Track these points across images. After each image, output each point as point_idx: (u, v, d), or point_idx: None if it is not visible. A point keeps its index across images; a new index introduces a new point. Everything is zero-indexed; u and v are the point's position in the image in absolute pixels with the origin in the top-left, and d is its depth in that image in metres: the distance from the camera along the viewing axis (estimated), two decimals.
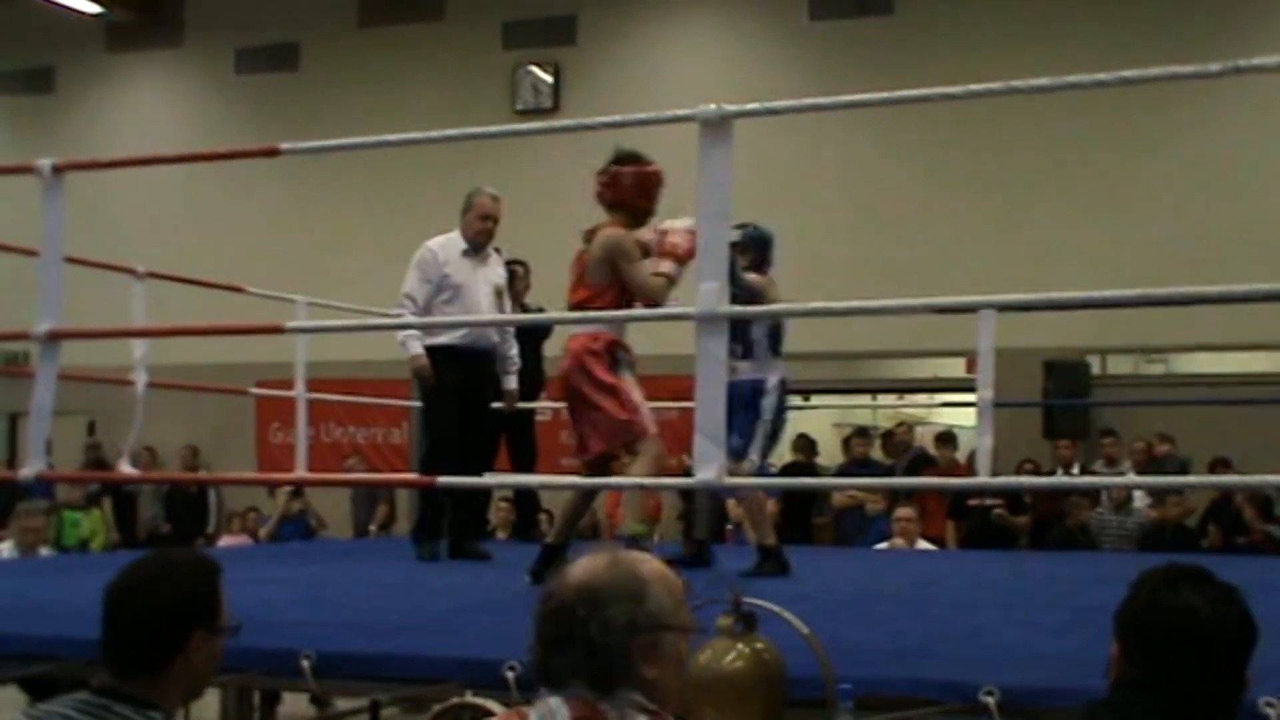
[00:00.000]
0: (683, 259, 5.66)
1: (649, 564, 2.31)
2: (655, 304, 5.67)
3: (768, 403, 6.66)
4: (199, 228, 15.89)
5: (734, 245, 6.37)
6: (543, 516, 9.86)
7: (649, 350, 9.68)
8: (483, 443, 7.51)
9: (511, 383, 7.81)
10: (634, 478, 5.75)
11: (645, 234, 5.91)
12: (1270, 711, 2.94)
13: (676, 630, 2.26)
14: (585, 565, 2.28)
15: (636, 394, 5.83)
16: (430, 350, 7.24)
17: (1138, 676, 2.40)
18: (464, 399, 7.30)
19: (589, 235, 5.91)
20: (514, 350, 7.83)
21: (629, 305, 5.75)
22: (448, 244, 7.39)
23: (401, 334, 7.33)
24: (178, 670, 2.62)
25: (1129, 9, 13.51)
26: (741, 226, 6.70)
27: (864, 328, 12.88)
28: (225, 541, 12.85)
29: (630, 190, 6.07)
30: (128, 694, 2.58)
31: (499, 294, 7.52)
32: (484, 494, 8.17)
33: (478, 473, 7.10)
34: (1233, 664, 2.39)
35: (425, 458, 7.51)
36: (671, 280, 5.70)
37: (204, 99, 16.82)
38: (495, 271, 7.55)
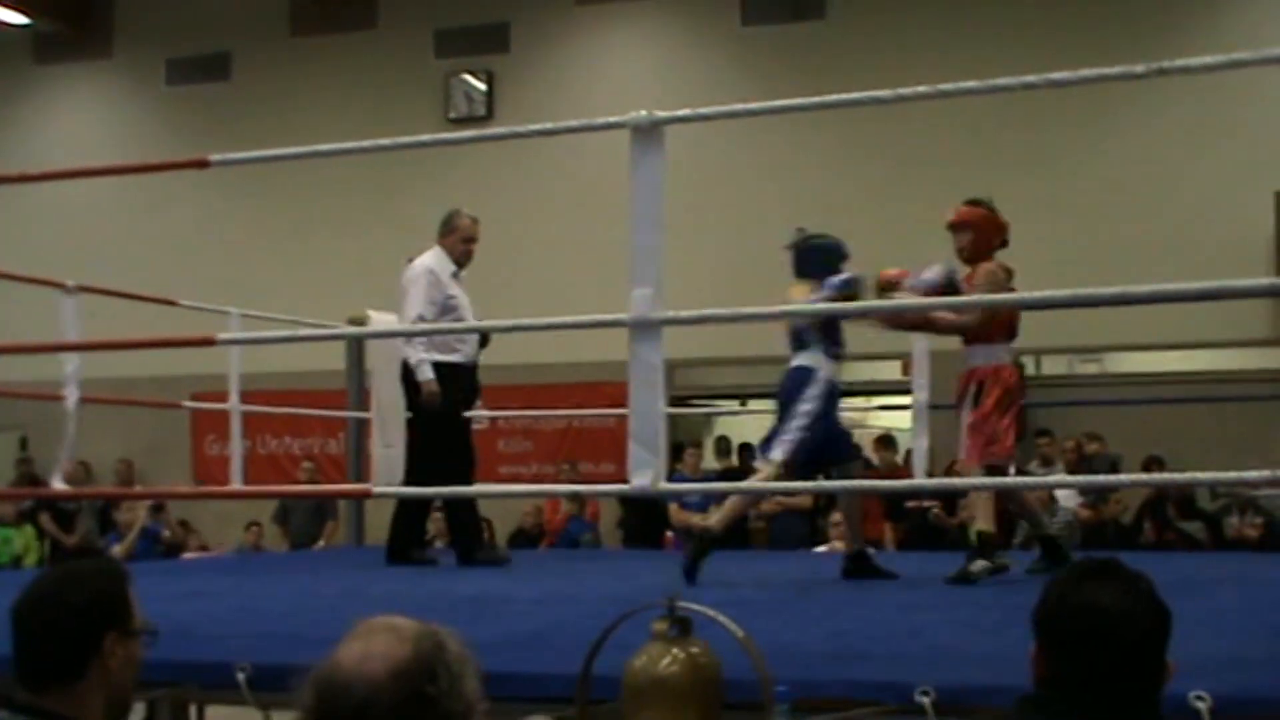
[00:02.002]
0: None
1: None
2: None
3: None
4: (130, 240, 15.73)
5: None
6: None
7: (591, 357, 9.68)
8: (472, 453, 7.71)
9: None
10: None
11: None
12: (1200, 705, 2.97)
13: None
14: (375, 648, 1.87)
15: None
16: (440, 366, 7.39)
17: (1056, 674, 2.42)
18: (461, 412, 7.63)
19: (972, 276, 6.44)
20: None
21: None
22: (439, 264, 7.52)
23: (417, 356, 7.39)
24: (95, 678, 2.60)
25: (1059, 15, 13.65)
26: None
27: None
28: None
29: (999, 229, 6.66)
30: (48, 710, 2.55)
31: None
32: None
33: (471, 482, 7.49)
34: (1144, 655, 2.40)
35: (426, 471, 7.40)
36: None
37: (135, 110, 16.66)
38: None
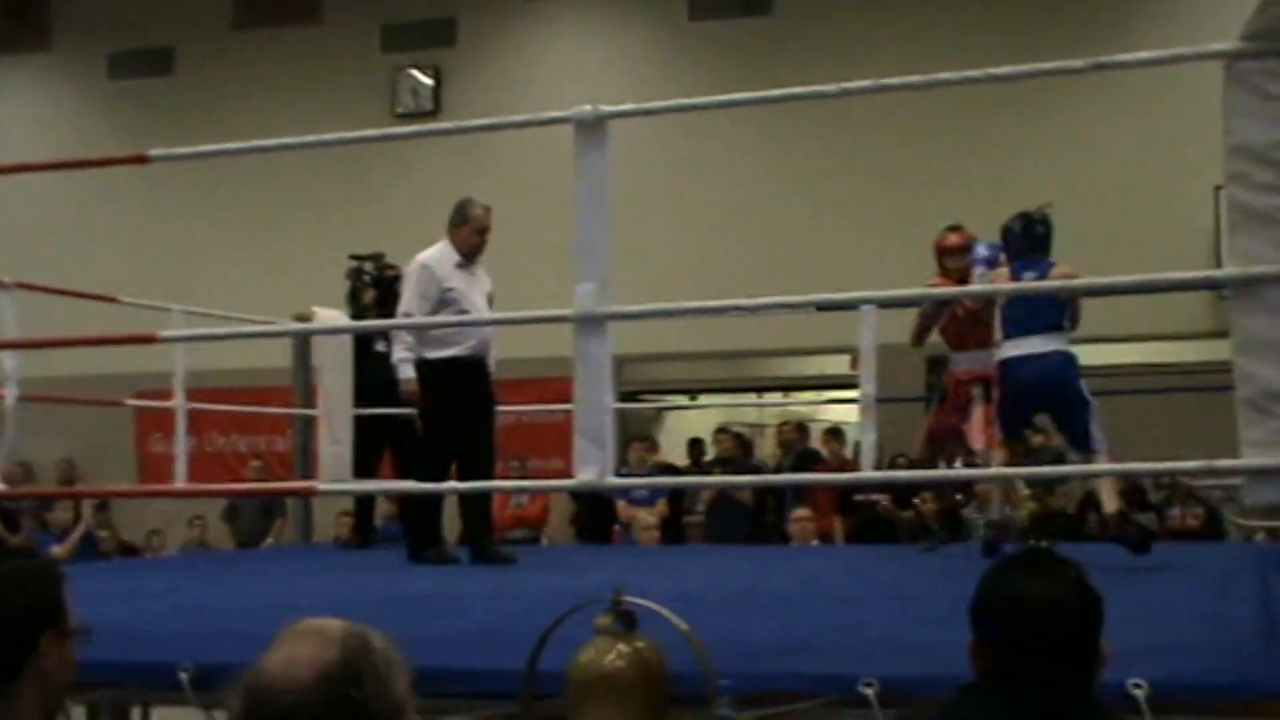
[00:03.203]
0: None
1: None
2: None
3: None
4: (71, 237, 15.57)
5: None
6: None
7: (540, 353, 9.65)
8: (490, 450, 7.40)
9: None
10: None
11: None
12: (1138, 692, 3.01)
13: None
14: (300, 652, 1.86)
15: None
16: (436, 363, 7.16)
17: (993, 664, 2.45)
18: (473, 408, 7.26)
19: None
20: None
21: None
22: (442, 257, 7.28)
23: (398, 355, 7.24)
24: (30, 679, 2.58)
25: (1005, 12, 13.74)
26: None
27: (748, 326, 12.96)
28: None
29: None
30: None
31: (490, 302, 7.45)
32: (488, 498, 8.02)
33: (488, 478, 7.24)
34: (1076, 643, 2.43)
35: (418, 466, 7.39)
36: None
37: (76, 105, 16.50)
38: (485, 280, 7.46)
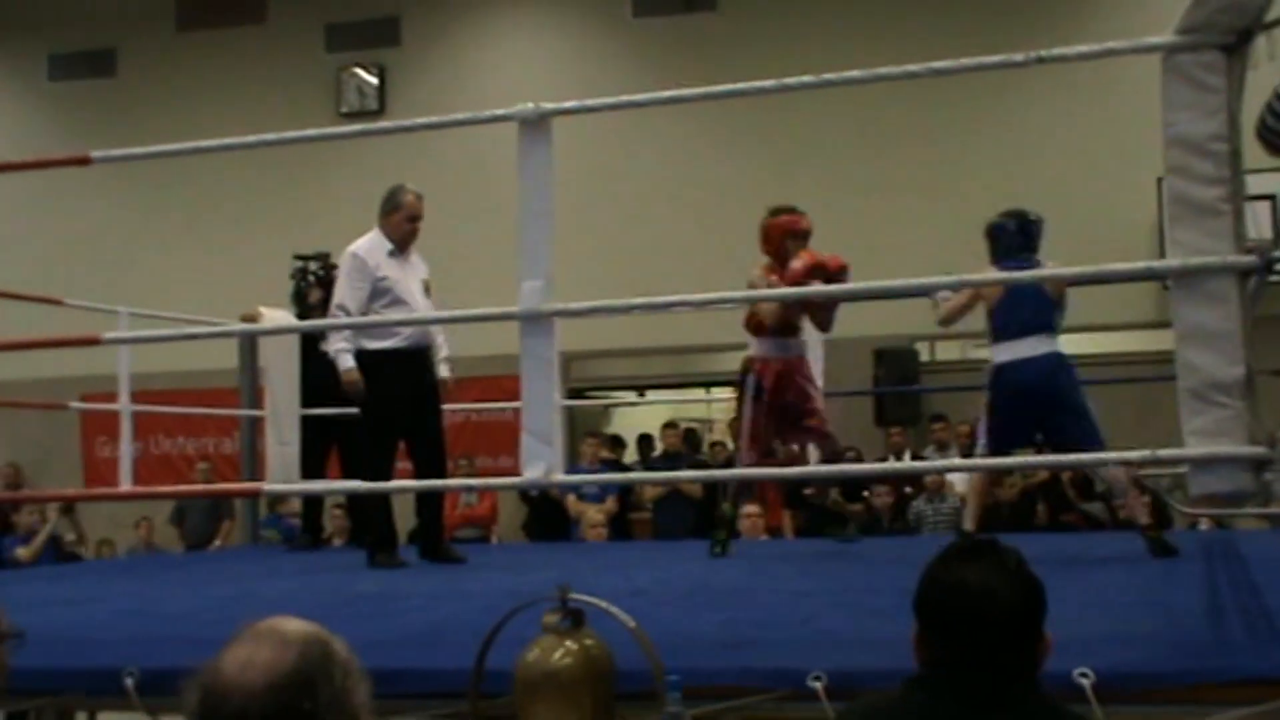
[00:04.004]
0: (790, 279, 6.84)
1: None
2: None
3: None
4: (14, 240, 15.40)
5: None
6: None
7: (487, 351, 9.63)
8: (439, 443, 7.30)
9: (444, 371, 7.64)
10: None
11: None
12: (1084, 681, 3.03)
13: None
14: (257, 656, 1.83)
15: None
16: (374, 354, 7.03)
17: (935, 654, 2.45)
18: (414, 401, 7.14)
19: None
20: (442, 341, 7.66)
21: None
22: (373, 247, 7.15)
23: (334, 347, 7.10)
24: None
25: (948, 5, 13.81)
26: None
27: (696, 321, 12.94)
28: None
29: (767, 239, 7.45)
30: None
31: (427, 290, 7.33)
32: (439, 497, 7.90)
33: (439, 474, 7.16)
34: (1017, 631, 2.43)
35: (362, 464, 7.23)
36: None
37: (16, 107, 16.31)
38: (421, 267, 7.34)
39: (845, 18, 14.03)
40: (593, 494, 11.30)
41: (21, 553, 11.88)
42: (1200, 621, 4.10)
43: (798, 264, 6.83)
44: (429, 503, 7.39)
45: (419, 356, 7.24)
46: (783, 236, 7.35)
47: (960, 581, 2.43)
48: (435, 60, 15.17)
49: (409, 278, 7.20)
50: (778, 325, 7.27)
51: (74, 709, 4.47)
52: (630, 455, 13.77)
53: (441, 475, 7.34)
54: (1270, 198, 11.17)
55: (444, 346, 7.63)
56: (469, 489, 11.85)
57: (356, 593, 5.65)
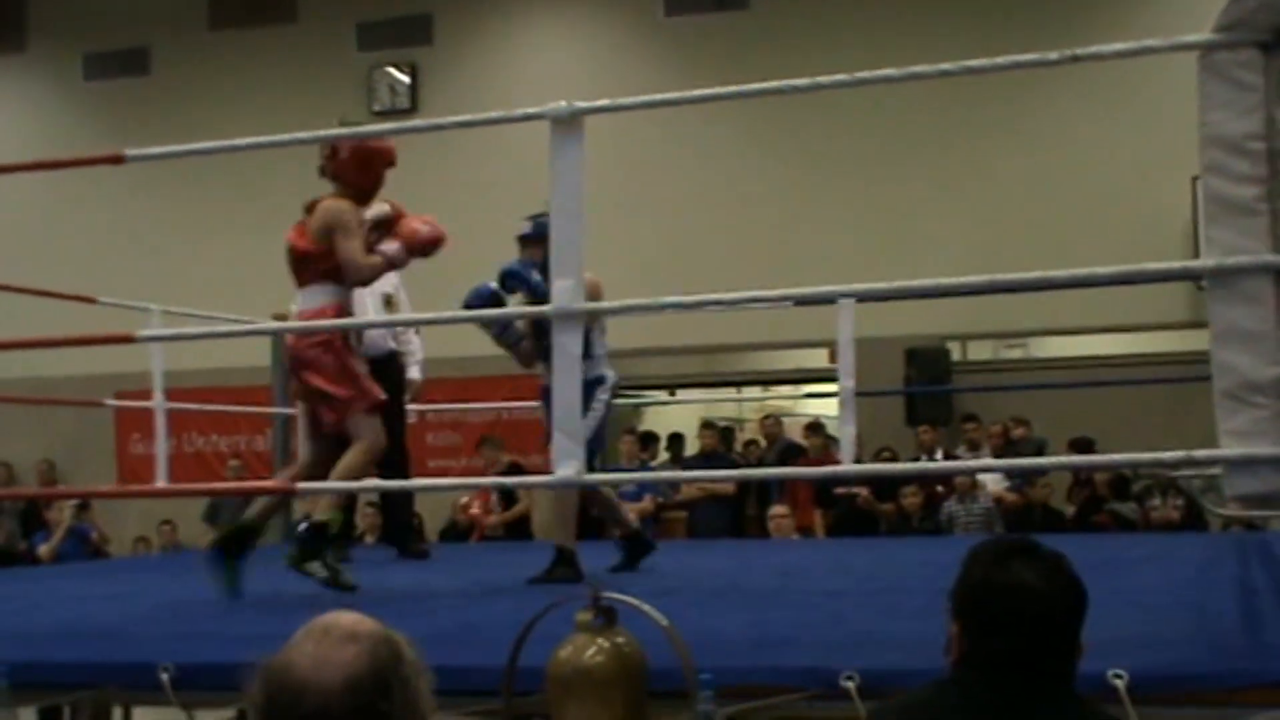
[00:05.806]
0: (415, 247, 5.73)
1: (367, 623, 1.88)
2: (361, 283, 5.80)
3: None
4: (49, 238, 15.50)
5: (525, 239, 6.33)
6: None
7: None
8: (402, 446, 7.39)
9: (415, 373, 7.77)
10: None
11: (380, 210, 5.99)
12: (1118, 682, 3.02)
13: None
14: (332, 654, 1.81)
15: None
16: None
17: (976, 653, 2.44)
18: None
19: (310, 206, 5.75)
20: (415, 343, 7.86)
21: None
22: None
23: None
24: None
25: (981, 4, 13.76)
26: (535, 217, 6.32)
27: (727, 321, 12.95)
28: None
29: (349, 164, 5.87)
30: None
31: (388, 301, 7.43)
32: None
33: (403, 475, 7.28)
34: (1066, 634, 2.43)
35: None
36: (392, 264, 5.74)
37: (52, 106, 16.42)
38: (386, 280, 7.17)
39: (878, 16, 13.98)
40: (629, 493, 11.29)
41: (44, 549, 11.97)
42: (1235, 623, 4.08)
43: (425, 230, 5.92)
44: (400, 502, 7.87)
45: (385, 362, 7.29)
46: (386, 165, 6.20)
47: (1020, 581, 2.42)
48: (467, 59, 15.19)
49: (362, 292, 6.96)
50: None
51: (110, 703, 4.50)
52: (661, 455, 13.75)
53: (404, 476, 7.45)
54: None
55: (419, 350, 7.76)
56: (501, 487, 11.85)
57: (388, 589, 5.66)
